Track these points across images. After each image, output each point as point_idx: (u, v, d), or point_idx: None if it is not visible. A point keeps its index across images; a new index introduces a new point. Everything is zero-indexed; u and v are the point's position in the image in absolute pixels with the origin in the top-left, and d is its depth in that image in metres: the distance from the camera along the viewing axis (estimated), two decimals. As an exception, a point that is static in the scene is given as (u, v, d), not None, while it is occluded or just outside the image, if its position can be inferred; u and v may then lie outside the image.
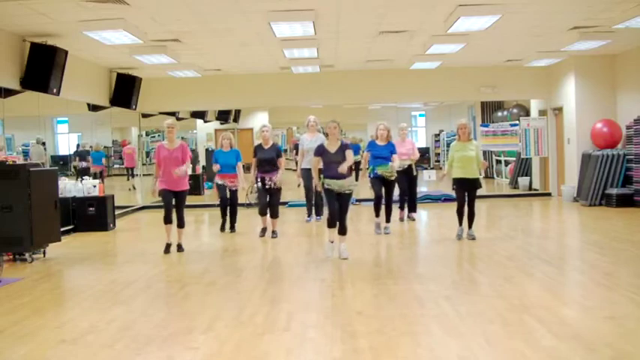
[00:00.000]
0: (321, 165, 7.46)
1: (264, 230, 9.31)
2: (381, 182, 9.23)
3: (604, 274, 6.27)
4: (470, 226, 8.46)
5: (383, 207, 9.24)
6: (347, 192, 7.35)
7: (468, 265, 7.24)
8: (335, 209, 7.34)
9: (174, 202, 8.22)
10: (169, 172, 8.07)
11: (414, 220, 10.64)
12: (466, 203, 8.39)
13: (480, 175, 8.53)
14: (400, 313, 5.01)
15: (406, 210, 10.68)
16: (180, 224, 8.26)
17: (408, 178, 10.30)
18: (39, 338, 4.61)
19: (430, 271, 6.82)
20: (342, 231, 7.39)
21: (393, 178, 9.21)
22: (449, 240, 8.47)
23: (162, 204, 8.28)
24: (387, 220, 9.38)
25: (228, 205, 9.75)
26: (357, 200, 12.08)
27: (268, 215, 9.24)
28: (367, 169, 9.27)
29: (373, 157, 9.17)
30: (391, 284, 6.04)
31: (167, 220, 8.19)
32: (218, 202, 9.88)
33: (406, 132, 10.55)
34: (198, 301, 5.69)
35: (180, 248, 8.25)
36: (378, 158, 9.11)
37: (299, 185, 11.47)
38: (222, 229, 9.87)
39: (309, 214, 10.96)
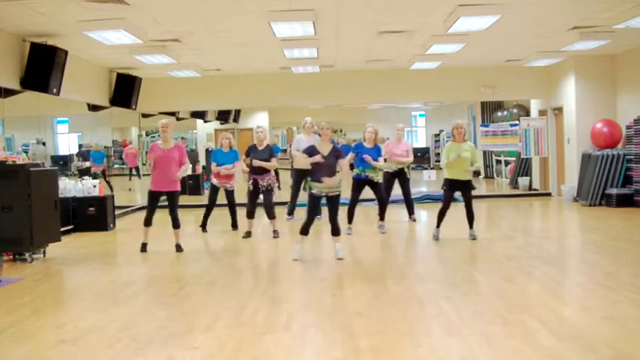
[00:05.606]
0: (307, 164, 7.36)
1: (248, 233, 9.19)
2: (363, 186, 9.16)
3: (604, 274, 6.27)
4: (471, 227, 8.44)
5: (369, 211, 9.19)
6: (336, 193, 7.34)
7: (468, 265, 7.24)
8: (312, 220, 7.35)
9: (166, 204, 8.21)
10: (162, 172, 8.04)
11: (414, 220, 10.59)
12: (464, 205, 8.38)
13: (469, 175, 8.41)
14: (400, 313, 5.01)
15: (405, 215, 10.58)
16: (176, 225, 8.23)
17: (400, 181, 10.25)
18: (39, 338, 4.61)
19: (430, 271, 6.82)
20: (336, 232, 7.36)
21: (377, 179, 9.16)
22: (449, 240, 8.46)
23: (163, 204, 8.27)
24: (382, 219, 9.35)
25: (227, 205, 9.77)
26: None
27: (265, 217, 9.20)
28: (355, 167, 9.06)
29: (359, 159, 9.01)
30: (391, 284, 6.04)
31: (147, 223, 8.21)
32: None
33: (402, 133, 10.46)
34: (198, 301, 5.69)
35: (179, 248, 8.22)
36: (365, 161, 8.91)
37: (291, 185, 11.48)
38: (204, 228, 9.83)
39: (290, 213, 10.94)
